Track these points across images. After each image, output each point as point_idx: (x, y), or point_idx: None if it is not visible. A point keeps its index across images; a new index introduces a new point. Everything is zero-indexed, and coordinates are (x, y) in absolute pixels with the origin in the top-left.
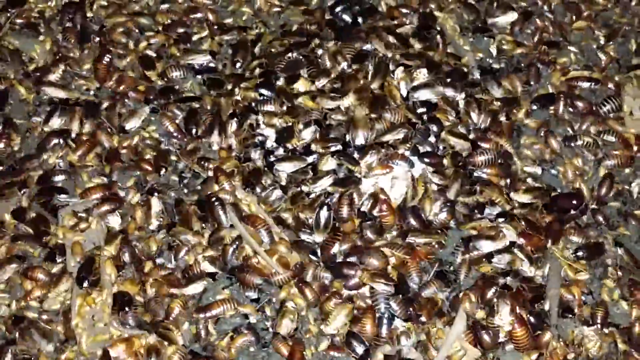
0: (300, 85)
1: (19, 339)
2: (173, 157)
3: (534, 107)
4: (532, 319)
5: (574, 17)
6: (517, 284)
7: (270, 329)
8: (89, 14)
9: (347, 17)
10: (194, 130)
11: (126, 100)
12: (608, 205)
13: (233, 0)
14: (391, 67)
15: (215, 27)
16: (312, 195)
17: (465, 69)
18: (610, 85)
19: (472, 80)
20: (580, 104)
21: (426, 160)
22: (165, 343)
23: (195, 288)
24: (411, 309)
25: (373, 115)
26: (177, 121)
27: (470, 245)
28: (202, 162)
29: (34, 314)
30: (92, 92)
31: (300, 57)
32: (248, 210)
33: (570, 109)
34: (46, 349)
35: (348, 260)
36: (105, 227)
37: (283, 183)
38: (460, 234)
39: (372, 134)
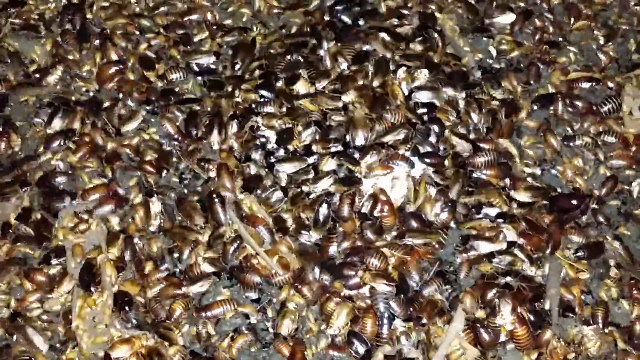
0: (301, 87)
1: (14, 336)
2: (174, 159)
3: (534, 107)
4: (532, 318)
5: (572, 18)
6: (518, 284)
7: (271, 330)
8: (89, 15)
9: (346, 18)
10: (194, 132)
11: (127, 101)
12: (608, 204)
13: (233, 1)
14: (391, 67)
15: (215, 27)
16: (312, 196)
17: (466, 70)
18: (611, 84)
19: (472, 80)
20: (579, 104)
21: (427, 160)
22: (166, 344)
23: (201, 286)
24: (411, 308)
25: (373, 116)
26: (177, 123)
27: (468, 245)
28: (202, 163)
29: (32, 313)
30: (91, 94)
31: (300, 58)
32: (248, 210)
33: (570, 109)
34: (41, 347)
35: (348, 260)
36: (105, 228)
37: (283, 184)
38: (461, 233)
39: (372, 134)
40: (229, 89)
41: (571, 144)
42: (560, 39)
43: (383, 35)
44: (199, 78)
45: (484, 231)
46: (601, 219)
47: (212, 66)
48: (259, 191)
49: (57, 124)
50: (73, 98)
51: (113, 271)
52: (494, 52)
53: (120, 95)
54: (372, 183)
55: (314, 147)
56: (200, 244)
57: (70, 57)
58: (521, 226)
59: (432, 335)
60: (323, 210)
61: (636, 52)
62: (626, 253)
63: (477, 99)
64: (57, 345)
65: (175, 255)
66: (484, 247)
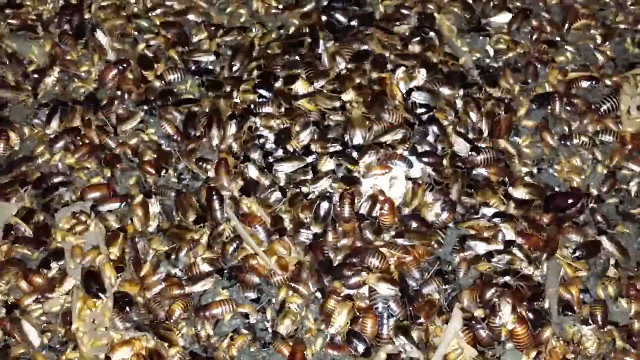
0: (299, 87)
1: (10, 329)
2: (173, 159)
3: (532, 107)
4: (531, 317)
5: (569, 19)
6: (516, 283)
7: (270, 329)
8: (87, 16)
9: (341, 17)
10: (192, 133)
11: (125, 101)
12: (606, 203)
13: (230, 1)
14: (389, 66)
15: (213, 28)
16: (311, 196)
17: (463, 69)
18: (608, 82)
19: (470, 80)
20: (578, 103)
21: (425, 160)
22: (166, 345)
23: (203, 285)
24: (410, 308)
25: (371, 116)
26: (176, 123)
27: (465, 245)
28: (201, 163)
29: (30, 314)
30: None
31: (298, 58)
32: (248, 210)
33: (568, 108)
34: (34, 341)
35: (348, 261)
36: (104, 228)
37: (282, 184)
38: (459, 233)
39: (370, 134)
40: (227, 89)
41: (568, 143)
42: (558, 39)
43: (379, 34)
44: (197, 78)
45: (482, 231)
46: (599, 218)
47: (210, 67)
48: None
49: (55, 124)
50: (72, 97)
51: (112, 272)
52: (491, 52)
53: (119, 93)
54: (371, 183)
55: (313, 147)
56: (200, 244)
57: (69, 57)
58: (520, 225)
59: (430, 335)
60: (324, 205)
61: (633, 52)
62: (621, 250)
63: (475, 98)
64: (57, 346)
65: (173, 257)
66: (480, 247)
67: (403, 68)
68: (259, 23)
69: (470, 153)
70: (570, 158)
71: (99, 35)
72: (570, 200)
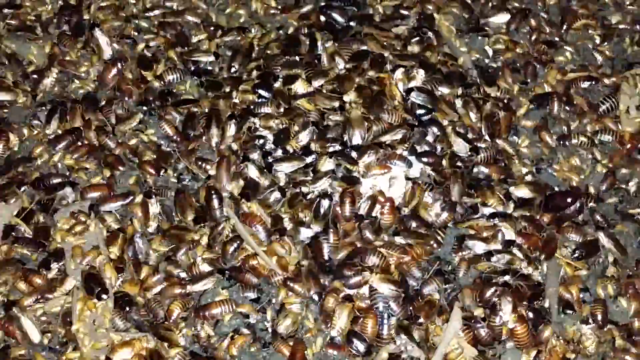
0: (299, 87)
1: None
2: (172, 160)
3: (532, 107)
4: (531, 316)
5: (569, 18)
6: (516, 282)
7: (270, 329)
8: (86, 17)
9: (340, 18)
10: (192, 133)
11: (124, 101)
12: (605, 203)
13: (230, 2)
14: (388, 67)
15: (212, 28)
16: (311, 196)
17: (462, 70)
18: (607, 81)
19: (469, 80)
20: (578, 103)
21: (424, 160)
22: (166, 345)
23: (204, 285)
24: (411, 308)
25: (371, 116)
26: (175, 124)
27: (463, 245)
28: (200, 163)
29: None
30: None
31: (297, 58)
32: (248, 210)
33: (567, 108)
34: (34, 338)
35: (348, 261)
36: (104, 228)
37: (282, 184)
38: (458, 232)
39: (369, 134)
40: (227, 89)
41: (567, 143)
42: (557, 39)
43: (378, 34)
44: (196, 79)
45: (482, 230)
46: (598, 217)
47: (210, 67)
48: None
49: (55, 125)
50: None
51: (113, 273)
52: (490, 52)
53: (118, 94)
54: (370, 183)
55: (312, 147)
56: (199, 244)
57: (68, 58)
58: (519, 225)
59: (431, 334)
60: (324, 203)
61: (632, 52)
62: (618, 247)
63: (474, 98)
64: (57, 347)
65: (173, 257)
66: (478, 247)
67: (402, 69)
68: (258, 24)
69: (469, 153)
70: (570, 158)
71: (98, 33)
72: (569, 200)
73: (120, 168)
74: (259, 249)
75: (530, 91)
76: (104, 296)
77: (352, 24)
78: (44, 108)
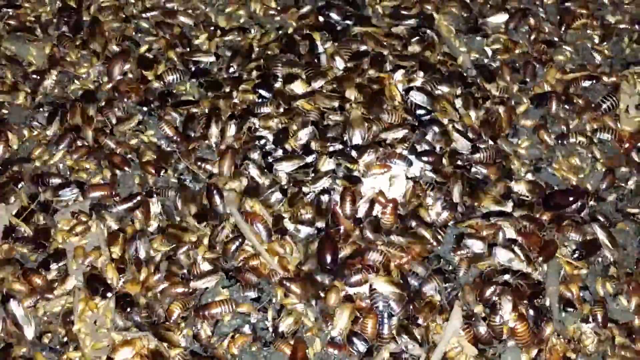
0: (298, 87)
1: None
2: (173, 160)
3: (531, 106)
4: (532, 315)
5: (567, 17)
6: (516, 281)
7: (271, 329)
8: (86, 18)
9: (340, 19)
10: (192, 134)
11: (124, 101)
12: (606, 202)
13: (230, 3)
14: (388, 66)
15: (212, 28)
16: (310, 196)
17: (462, 70)
18: (607, 80)
19: (469, 79)
20: (578, 102)
21: (424, 159)
22: (165, 345)
23: (208, 282)
24: (411, 306)
25: (370, 116)
26: (175, 125)
27: (462, 244)
28: (200, 164)
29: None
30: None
31: (297, 58)
32: (250, 209)
33: (567, 106)
34: (28, 334)
35: (349, 262)
36: (105, 229)
37: (283, 183)
38: (458, 231)
39: (370, 134)
40: (227, 89)
41: (565, 142)
42: (556, 39)
43: (378, 34)
44: (196, 79)
45: (482, 230)
46: (599, 217)
47: (209, 67)
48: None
49: (56, 126)
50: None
51: (115, 274)
52: (489, 52)
53: (117, 94)
54: (371, 183)
55: (313, 146)
56: (200, 243)
57: (68, 59)
58: (520, 224)
59: (431, 333)
60: (324, 198)
61: (630, 51)
62: (611, 239)
63: (474, 97)
64: (57, 347)
65: (174, 256)
66: (477, 246)
67: (402, 71)
68: (257, 24)
69: (470, 150)
70: (569, 157)
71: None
72: (570, 199)
73: (126, 169)
74: (261, 247)
75: (529, 90)
76: (109, 294)
77: (350, 23)
78: (42, 110)
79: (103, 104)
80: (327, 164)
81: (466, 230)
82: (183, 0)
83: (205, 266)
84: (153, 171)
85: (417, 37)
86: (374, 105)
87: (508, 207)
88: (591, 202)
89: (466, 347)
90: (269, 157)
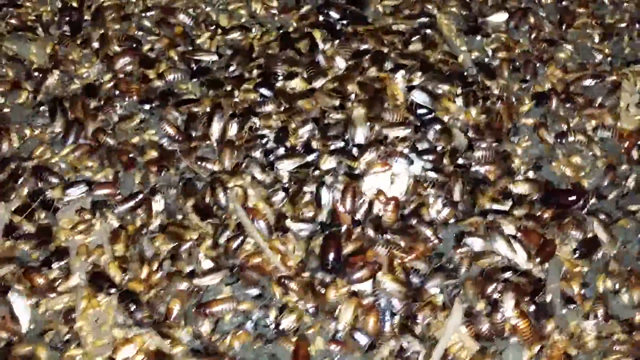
0: (298, 85)
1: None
2: (174, 159)
3: (532, 105)
4: (534, 312)
5: (567, 17)
6: (517, 279)
7: (273, 326)
8: (87, 17)
9: (340, 18)
10: (193, 133)
11: (125, 100)
12: (608, 199)
13: (230, 1)
14: (389, 65)
15: (213, 27)
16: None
17: (462, 69)
18: (607, 78)
19: (470, 78)
20: (576, 100)
21: (425, 157)
22: (167, 342)
23: (212, 279)
24: (413, 304)
25: (372, 115)
26: (176, 124)
27: (462, 242)
28: (201, 163)
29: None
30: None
31: (297, 57)
32: (253, 206)
33: (568, 105)
34: (23, 325)
35: (351, 259)
36: (108, 227)
37: (284, 181)
38: (460, 229)
39: (372, 134)
40: (228, 88)
41: (563, 141)
42: (556, 38)
43: (378, 33)
44: (198, 78)
45: (481, 228)
46: (601, 215)
47: (210, 66)
48: (260, 189)
49: (59, 124)
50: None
51: (117, 272)
52: (489, 51)
53: (117, 92)
54: (373, 181)
55: (314, 145)
56: (203, 241)
57: (70, 57)
58: (520, 222)
59: (432, 329)
60: (324, 191)
61: (630, 50)
62: (608, 231)
63: (474, 95)
64: (59, 345)
65: (177, 254)
66: (477, 244)
67: (402, 72)
68: (258, 23)
69: (466, 148)
70: (570, 155)
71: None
72: (572, 198)
73: (132, 168)
74: (264, 244)
75: (530, 89)
76: (113, 290)
77: (351, 22)
78: (42, 108)
79: (104, 102)
80: (328, 162)
81: (467, 228)
82: None
83: (207, 264)
84: (155, 169)
85: (418, 37)
86: (376, 104)
87: (507, 205)
88: (592, 200)
89: (468, 344)
90: (270, 156)
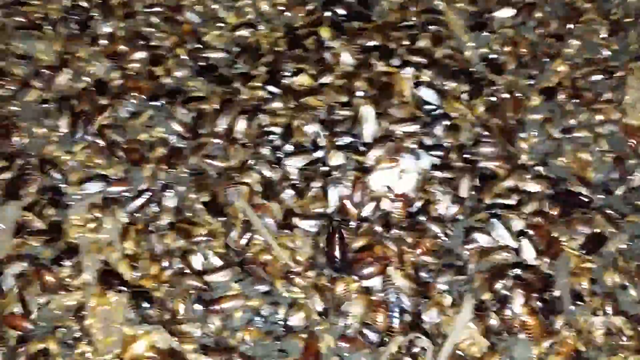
0: (305, 81)
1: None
2: (183, 156)
3: (539, 100)
4: (543, 308)
5: (574, 12)
6: (527, 275)
7: (282, 322)
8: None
9: (347, 14)
10: (201, 131)
11: (132, 97)
12: (614, 195)
13: None
14: (397, 62)
15: (221, 25)
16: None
17: (469, 64)
18: (614, 74)
19: (477, 74)
20: (583, 95)
21: (433, 153)
22: (175, 339)
23: (223, 276)
24: (422, 300)
25: (379, 111)
26: (184, 121)
27: (470, 238)
28: (209, 160)
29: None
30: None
31: (305, 54)
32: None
33: (575, 100)
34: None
35: (359, 256)
36: (119, 224)
37: (292, 177)
38: (468, 225)
39: (379, 131)
40: (236, 85)
41: (570, 136)
42: (563, 33)
43: (385, 29)
44: (205, 75)
45: (487, 222)
46: (608, 211)
47: (218, 63)
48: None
49: (65, 122)
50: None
51: (127, 270)
52: (496, 46)
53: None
54: (381, 177)
55: (322, 141)
56: (212, 238)
57: (78, 55)
58: (529, 217)
59: (442, 325)
60: (332, 186)
61: (637, 45)
62: (612, 224)
63: (481, 91)
64: (70, 341)
65: (186, 251)
66: (484, 240)
67: (410, 69)
68: (265, 21)
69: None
70: (577, 150)
71: None
72: (579, 194)
73: (143, 165)
74: (273, 240)
75: (537, 85)
76: (123, 288)
77: (359, 18)
78: (51, 106)
79: (112, 99)
80: (336, 158)
81: (475, 224)
82: None
83: (216, 260)
84: (164, 166)
85: (425, 32)
86: (383, 100)
87: (514, 200)
88: (600, 195)
89: (478, 340)
90: (278, 152)
